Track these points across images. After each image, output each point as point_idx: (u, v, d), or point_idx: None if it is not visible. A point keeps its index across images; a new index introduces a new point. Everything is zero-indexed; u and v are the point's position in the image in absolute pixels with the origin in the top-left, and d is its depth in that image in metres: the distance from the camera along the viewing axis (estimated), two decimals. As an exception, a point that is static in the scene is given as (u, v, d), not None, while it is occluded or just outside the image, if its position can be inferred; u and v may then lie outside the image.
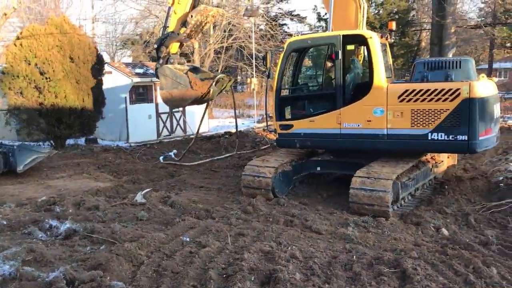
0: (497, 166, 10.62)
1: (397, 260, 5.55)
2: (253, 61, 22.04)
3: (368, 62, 8.54)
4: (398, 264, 5.43)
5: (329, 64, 9.06)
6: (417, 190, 9.06)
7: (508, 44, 22.04)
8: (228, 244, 6.11)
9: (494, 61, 32.52)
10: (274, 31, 27.04)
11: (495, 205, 8.18)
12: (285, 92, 9.56)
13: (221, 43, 25.21)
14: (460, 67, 8.16)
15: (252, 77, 25.18)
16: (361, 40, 8.83)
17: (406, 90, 8.12)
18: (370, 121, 8.41)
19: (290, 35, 37.99)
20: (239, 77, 39.41)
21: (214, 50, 25.58)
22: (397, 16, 29.29)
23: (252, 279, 4.94)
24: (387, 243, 6.57)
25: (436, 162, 9.77)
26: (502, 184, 9.11)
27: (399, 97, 8.16)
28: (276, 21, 31.63)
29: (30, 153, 10.89)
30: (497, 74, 40.06)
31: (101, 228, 6.45)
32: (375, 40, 8.47)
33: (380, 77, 8.34)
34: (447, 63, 8.27)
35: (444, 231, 7.13)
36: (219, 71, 25.55)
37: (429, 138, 8.02)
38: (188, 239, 6.23)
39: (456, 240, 6.60)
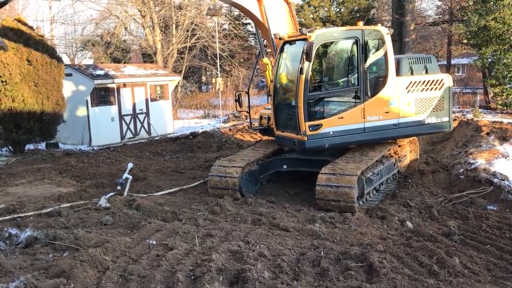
0: (457, 159, 10.94)
1: (363, 254, 5.62)
2: (217, 60, 21.92)
3: (384, 57, 8.94)
4: (365, 258, 5.51)
5: (353, 58, 8.97)
6: (381, 185, 9.22)
7: (465, 41, 22.70)
8: (196, 245, 6.04)
9: (452, 58, 33.43)
10: (237, 30, 27.03)
11: (456, 196, 8.43)
12: (312, 90, 8.98)
13: (184, 42, 24.99)
14: (431, 62, 9.64)
15: (217, 77, 25.08)
16: (378, 35, 8.96)
17: (411, 82, 9.17)
18: (387, 112, 8.97)
19: (254, 34, 38.13)
20: (203, 77, 39.14)
21: (178, 50, 25.32)
22: (358, 14, 29.79)
23: (221, 279, 4.90)
24: (353, 237, 6.66)
25: (399, 157, 9.98)
26: (462, 176, 9.38)
27: (406, 88, 9.12)
28: (239, 20, 31.64)
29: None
30: (455, 70, 41.30)
31: (64, 235, 6.24)
32: (389, 36, 8.96)
33: (393, 70, 9.02)
34: (423, 58, 9.65)
35: (409, 224, 7.29)
36: (183, 71, 25.32)
37: (426, 122, 9.37)
38: (154, 242, 6.13)
39: (420, 232, 6.76)
